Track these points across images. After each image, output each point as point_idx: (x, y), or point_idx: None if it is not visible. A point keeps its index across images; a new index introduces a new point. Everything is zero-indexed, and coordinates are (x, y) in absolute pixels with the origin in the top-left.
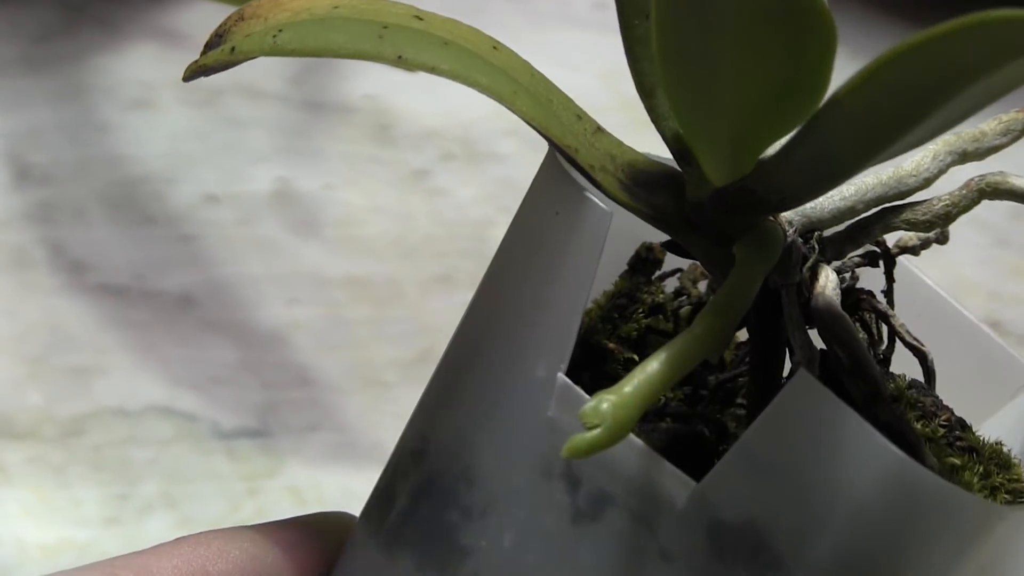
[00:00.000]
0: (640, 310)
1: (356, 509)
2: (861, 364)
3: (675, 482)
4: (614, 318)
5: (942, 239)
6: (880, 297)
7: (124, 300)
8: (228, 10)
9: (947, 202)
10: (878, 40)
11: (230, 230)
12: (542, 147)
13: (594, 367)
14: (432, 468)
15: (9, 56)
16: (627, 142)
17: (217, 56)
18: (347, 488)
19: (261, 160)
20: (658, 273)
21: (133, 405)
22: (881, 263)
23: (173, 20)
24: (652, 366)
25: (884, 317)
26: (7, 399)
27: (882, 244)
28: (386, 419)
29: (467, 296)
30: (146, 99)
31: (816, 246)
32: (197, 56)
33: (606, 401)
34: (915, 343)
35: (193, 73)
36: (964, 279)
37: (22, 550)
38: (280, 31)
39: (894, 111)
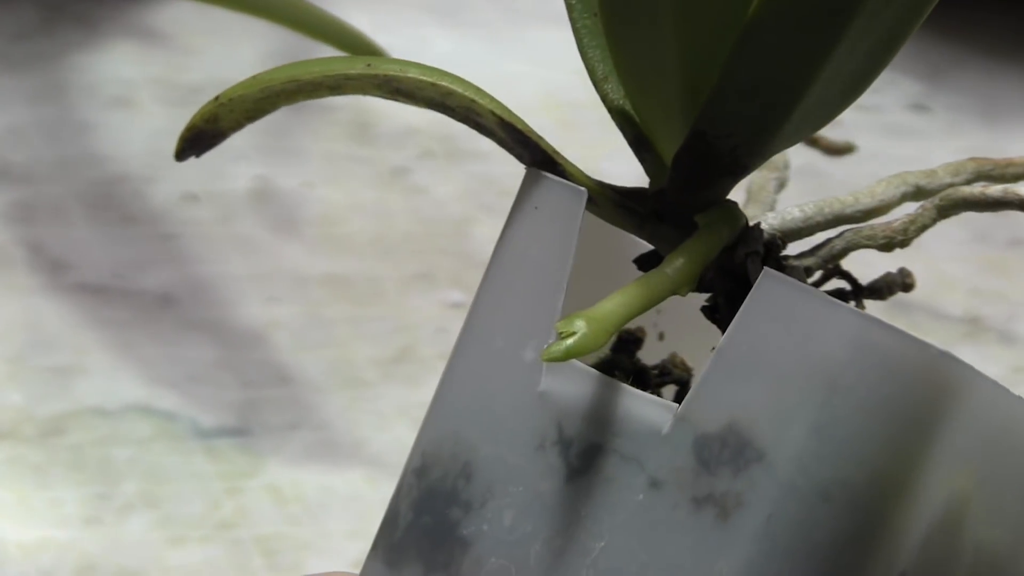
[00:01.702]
0: (620, 375)
1: (337, 507)
2: None
3: (658, 410)
4: None
5: (908, 286)
6: None
7: (103, 299)
8: (207, 8)
9: (905, 220)
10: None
11: (209, 229)
12: None
13: None
14: (432, 477)
15: None
16: (603, 138)
17: (203, 110)
18: (327, 487)
19: (240, 158)
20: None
21: (113, 404)
22: (851, 299)
23: (152, 18)
24: (626, 292)
25: None
26: None
27: (851, 278)
28: (366, 417)
29: (447, 294)
30: (125, 97)
31: (780, 243)
32: (177, 55)
33: (581, 317)
34: None
35: (184, 143)
36: (944, 275)
37: (2, 549)
38: (262, 73)
39: (818, 9)
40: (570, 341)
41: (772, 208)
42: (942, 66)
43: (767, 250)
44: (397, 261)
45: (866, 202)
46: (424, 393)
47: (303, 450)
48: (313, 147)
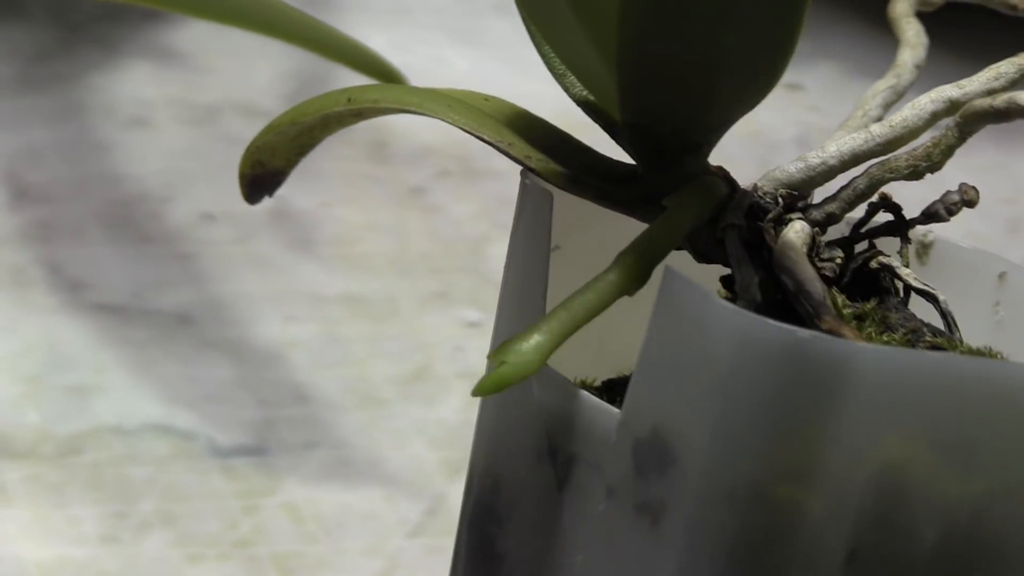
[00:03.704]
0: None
1: (353, 526)
2: (803, 285)
3: (608, 418)
4: None
5: (969, 202)
6: (896, 257)
7: (122, 319)
8: (224, 28)
9: (928, 144)
10: (859, 45)
11: (227, 248)
12: None
13: None
14: (476, 494)
15: (6, 76)
16: (622, 157)
17: (244, 159)
18: (345, 505)
19: None
20: None
21: (130, 423)
22: (897, 229)
23: (170, 39)
24: (566, 307)
25: (890, 270)
26: (5, 418)
27: (896, 208)
28: (384, 436)
29: (463, 312)
30: (143, 118)
31: (780, 200)
32: (194, 75)
33: (516, 342)
34: (925, 288)
35: (247, 189)
36: None
37: (20, 568)
38: (273, 120)
39: None
40: (499, 370)
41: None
42: None
43: (753, 215)
44: (414, 280)
45: (883, 133)
46: (441, 411)
47: (320, 469)
48: (330, 167)
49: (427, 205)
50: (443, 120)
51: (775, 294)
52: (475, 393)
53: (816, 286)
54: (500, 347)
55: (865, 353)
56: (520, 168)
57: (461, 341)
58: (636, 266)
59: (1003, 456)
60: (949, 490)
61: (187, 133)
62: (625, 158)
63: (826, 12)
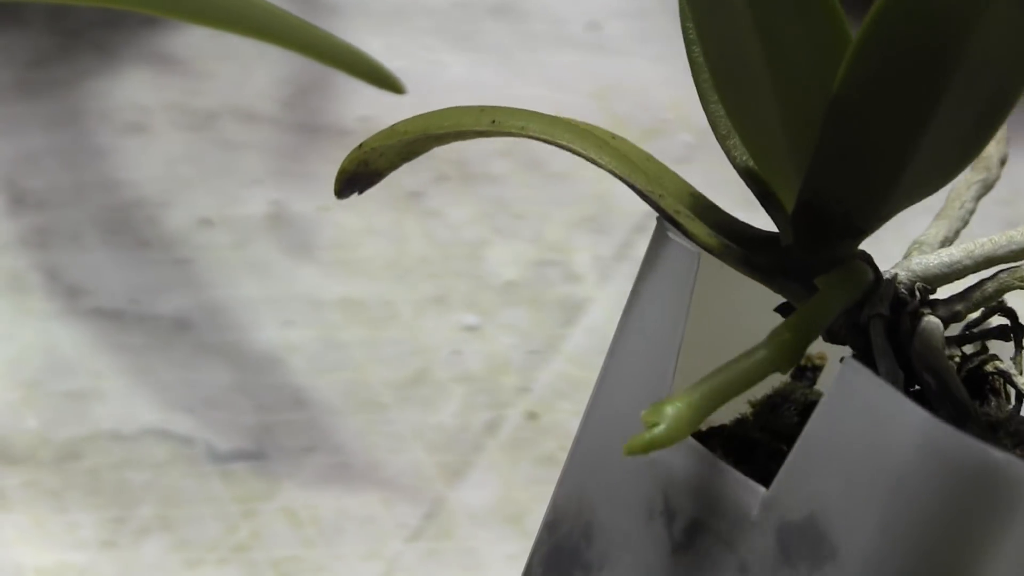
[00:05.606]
0: (793, 408)
1: (352, 530)
2: (948, 388)
3: (748, 493)
4: (767, 415)
5: None
6: (1009, 364)
7: (119, 324)
8: (222, 34)
9: None
10: None
11: (224, 253)
12: (535, 167)
13: (745, 457)
14: (560, 533)
15: (4, 81)
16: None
17: (351, 157)
18: (343, 509)
19: (255, 183)
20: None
21: (129, 428)
22: (1011, 335)
23: (169, 44)
24: (720, 376)
25: (1007, 376)
26: (4, 423)
27: (1011, 314)
28: (382, 440)
29: (461, 317)
30: (141, 123)
31: (919, 294)
32: (192, 80)
33: (669, 405)
34: None
35: (342, 184)
36: None
37: (19, 574)
38: (398, 124)
39: (910, 56)
40: (652, 432)
41: (966, 223)
42: None
43: (897, 306)
44: (412, 284)
45: (1020, 240)
46: (439, 415)
47: (318, 473)
48: (328, 171)
49: (425, 209)
50: (592, 159)
51: (912, 385)
52: (627, 452)
53: (961, 392)
54: (652, 408)
55: None
56: (657, 216)
57: (459, 345)
58: (791, 344)
59: None
60: None
61: (185, 138)
62: (757, 224)
63: None
